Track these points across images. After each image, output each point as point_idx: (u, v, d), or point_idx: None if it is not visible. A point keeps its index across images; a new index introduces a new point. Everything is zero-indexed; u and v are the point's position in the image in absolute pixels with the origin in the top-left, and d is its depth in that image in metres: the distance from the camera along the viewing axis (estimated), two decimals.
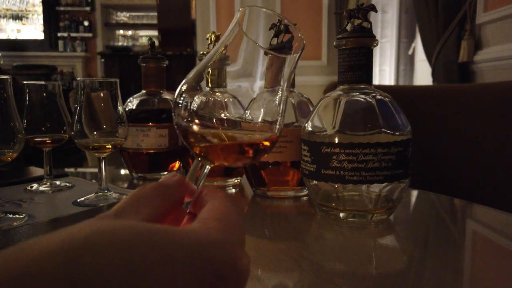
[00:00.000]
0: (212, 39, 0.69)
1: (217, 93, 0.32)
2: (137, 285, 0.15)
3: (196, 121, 0.30)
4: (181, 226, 0.26)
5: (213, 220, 0.21)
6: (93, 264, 0.15)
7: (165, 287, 0.16)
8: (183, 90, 0.30)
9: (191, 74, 0.30)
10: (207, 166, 0.30)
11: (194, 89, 0.30)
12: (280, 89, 0.30)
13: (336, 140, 0.49)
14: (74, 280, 0.14)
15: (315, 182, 0.52)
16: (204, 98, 0.30)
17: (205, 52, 0.71)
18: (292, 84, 0.63)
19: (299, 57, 0.30)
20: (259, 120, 0.31)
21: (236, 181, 0.71)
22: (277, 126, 0.31)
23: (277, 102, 0.30)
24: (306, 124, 0.54)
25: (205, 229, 0.20)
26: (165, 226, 0.18)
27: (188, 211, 0.27)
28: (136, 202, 0.22)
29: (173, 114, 0.30)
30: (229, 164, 0.31)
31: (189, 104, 0.30)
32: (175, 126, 0.31)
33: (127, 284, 0.15)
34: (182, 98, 0.30)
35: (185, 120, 0.30)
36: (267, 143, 0.31)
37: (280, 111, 0.31)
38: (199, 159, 0.30)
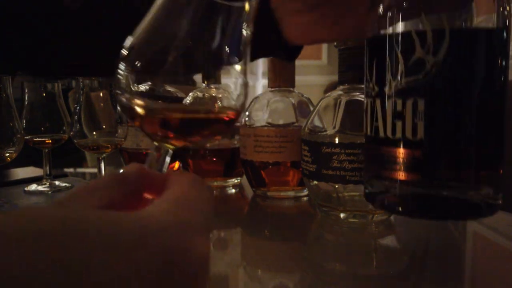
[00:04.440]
0: None
1: None
2: (63, 278, 0.13)
3: (140, 101, 0.26)
4: None
5: (166, 202, 0.19)
6: None
7: (102, 276, 0.14)
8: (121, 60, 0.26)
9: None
10: (169, 151, 0.27)
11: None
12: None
13: (337, 140, 0.49)
14: None
15: (315, 182, 0.52)
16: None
17: None
18: (292, 84, 0.63)
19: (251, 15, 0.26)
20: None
21: (236, 181, 0.71)
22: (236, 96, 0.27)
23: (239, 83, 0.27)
24: (306, 124, 0.54)
25: (155, 213, 0.18)
26: (109, 213, 0.17)
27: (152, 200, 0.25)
28: (84, 192, 0.20)
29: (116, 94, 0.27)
30: (187, 141, 0.28)
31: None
32: (120, 108, 0.27)
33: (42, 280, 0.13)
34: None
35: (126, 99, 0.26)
36: (224, 114, 0.28)
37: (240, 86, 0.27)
38: (155, 142, 0.27)
